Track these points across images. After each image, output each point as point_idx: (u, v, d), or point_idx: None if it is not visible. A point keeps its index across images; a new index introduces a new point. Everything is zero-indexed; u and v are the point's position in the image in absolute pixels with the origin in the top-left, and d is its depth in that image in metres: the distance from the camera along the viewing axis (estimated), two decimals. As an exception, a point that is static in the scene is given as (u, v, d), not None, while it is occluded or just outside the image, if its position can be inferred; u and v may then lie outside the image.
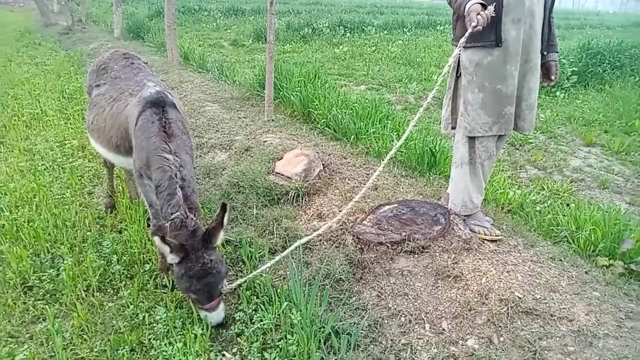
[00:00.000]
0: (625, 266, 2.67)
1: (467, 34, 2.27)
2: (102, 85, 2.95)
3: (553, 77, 2.68)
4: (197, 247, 2.09)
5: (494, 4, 2.32)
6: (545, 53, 2.60)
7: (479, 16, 2.22)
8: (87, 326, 2.28)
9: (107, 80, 2.97)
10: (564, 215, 3.27)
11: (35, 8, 16.09)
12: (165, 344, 2.09)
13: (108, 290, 2.57)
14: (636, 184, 4.51)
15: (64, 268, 2.60)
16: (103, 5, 20.28)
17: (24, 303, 2.45)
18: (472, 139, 2.63)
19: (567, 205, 3.68)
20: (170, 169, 2.22)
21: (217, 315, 2.19)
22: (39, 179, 3.70)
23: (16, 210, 3.26)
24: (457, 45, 2.40)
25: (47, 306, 2.39)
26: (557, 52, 2.68)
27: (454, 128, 2.75)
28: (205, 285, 2.09)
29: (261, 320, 2.22)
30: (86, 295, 2.51)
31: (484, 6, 2.27)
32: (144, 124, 2.34)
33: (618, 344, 2.02)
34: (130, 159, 2.51)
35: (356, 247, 2.68)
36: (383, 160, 2.46)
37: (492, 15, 2.25)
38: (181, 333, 2.17)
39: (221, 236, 2.16)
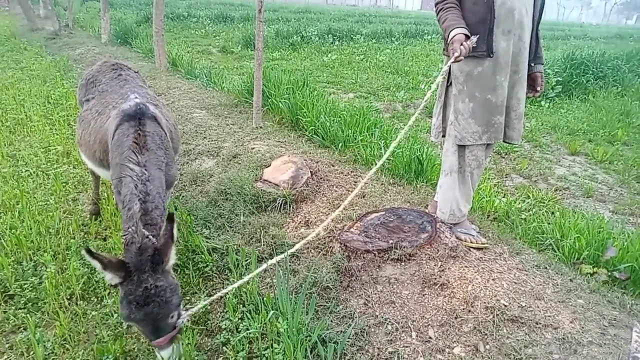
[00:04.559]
0: (609, 274, 2.71)
1: (449, 62, 2.39)
2: (91, 100, 2.89)
3: (539, 88, 2.73)
4: (141, 268, 1.81)
5: (487, 15, 2.40)
6: (532, 64, 2.65)
7: (462, 47, 2.29)
8: (69, 335, 2.24)
9: (95, 94, 2.91)
10: (549, 223, 3.31)
11: (21, 12, 15.89)
12: (149, 355, 2.05)
13: (92, 299, 2.53)
14: (619, 193, 4.59)
15: (46, 276, 2.56)
16: (91, 10, 20.16)
17: (4, 312, 2.40)
18: (462, 148, 2.66)
19: (552, 213, 3.73)
20: (132, 180, 2.08)
21: (166, 355, 1.86)
22: (23, 186, 3.65)
23: (-2, 217, 3.21)
24: (448, 55, 2.49)
25: (28, 315, 2.34)
26: (543, 63, 2.73)
27: (444, 136, 2.78)
28: (146, 316, 1.78)
29: (247, 329, 2.20)
30: (69, 304, 2.47)
31: (467, 36, 2.33)
32: (119, 138, 2.24)
33: (602, 352, 2.04)
34: None
35: (343, 254, 2.68)
36: (372, 169, 2.46)
37: (474, 45, 2.33)
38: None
39: (173, 255, 1.90)
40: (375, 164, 4.08)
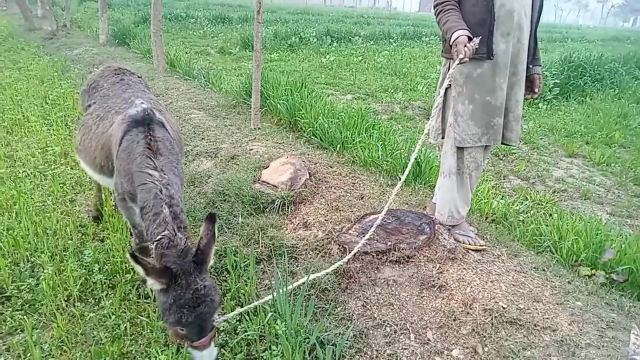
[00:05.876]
0: (607, 276, 2.72)
1: (454, 65, 2.34)
2: (92, 105, 2.84)
3: (537, 90, 2.74)
4: (188, 271, 1.80)
5: (486, 17, 2.41)
6: (529, 66, 2.66)
7: (465, 48, 2.27)
8: (67, 337, 2.23)
9: (96, 99, 2.86)
10: (547, 226, 3.31)
11: (18, 12, 15.85)
12: (148, 357, 2.05)
13: (89, 300, 2.52)
14: (617, 195, 4.60)
15: (43, 277, 2.55)
16: (88, 10, 20.12)
17: (1, 314, 2.38)
18: (460, 150, 2.66)
19: (550, 215, 3.74)
20: (155, 186, 2.03)
21: (208, 354, 1.85)
22: (20, 186, 3.63)
23: (-5, 218, 3.19)
24: (447, 57, 2.52)
25: (25, 317, 2.33)
26: (540, 65, 2.74)
27: (443, 138, 2.78)
28: (198, 317, 1.77)
29: (245, 331, 2.20)
30: (66, 306, 2.46)
31: (470, 38, 2.32)
32: (129, 145, 2.19)
33: (600, 354, 2.04)
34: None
35: (342, 256, 2.68)
36: (397, 185, 2.48)
37: (476, 47, 2.32)
38: (166, 345, 2.13)
39: (212, 255, 1.90)
40: (374, 166, 4.10)
